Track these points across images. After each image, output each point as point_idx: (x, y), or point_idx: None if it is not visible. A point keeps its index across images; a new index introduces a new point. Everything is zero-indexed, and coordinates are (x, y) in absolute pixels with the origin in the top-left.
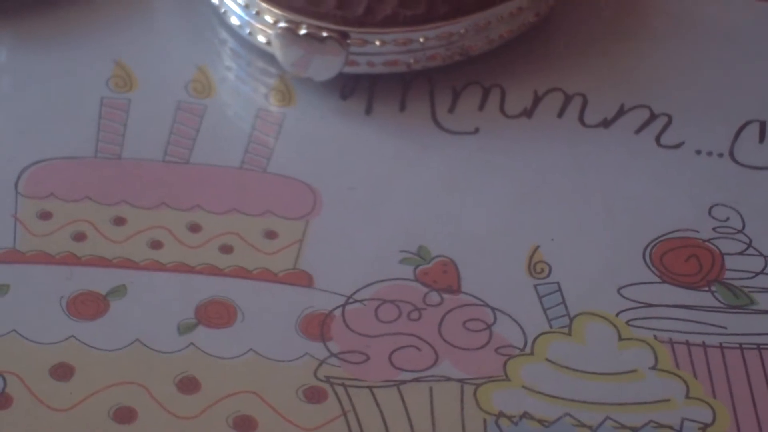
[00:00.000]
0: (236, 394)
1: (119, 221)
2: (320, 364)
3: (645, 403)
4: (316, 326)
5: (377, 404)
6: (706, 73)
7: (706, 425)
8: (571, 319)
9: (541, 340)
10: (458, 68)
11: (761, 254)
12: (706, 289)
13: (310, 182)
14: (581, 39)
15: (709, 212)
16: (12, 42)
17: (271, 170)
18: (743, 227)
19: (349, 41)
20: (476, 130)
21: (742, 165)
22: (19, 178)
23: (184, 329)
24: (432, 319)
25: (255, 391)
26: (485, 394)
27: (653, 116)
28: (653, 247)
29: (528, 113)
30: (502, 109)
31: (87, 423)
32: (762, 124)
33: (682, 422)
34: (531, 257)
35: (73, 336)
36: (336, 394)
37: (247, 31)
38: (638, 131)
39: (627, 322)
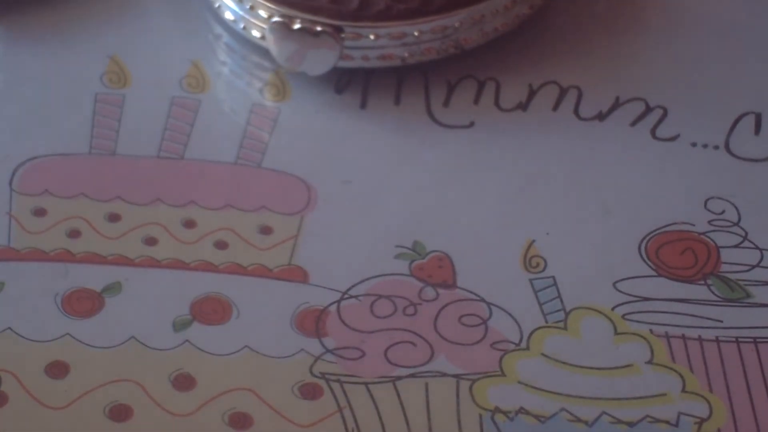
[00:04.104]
0: (232, 390)
1: (114, 218)
2: (315, 361)
3: (641, 397)
4: (312, 322)
5: (373, 400)
6: (701, 65)
7: (703, 419)
8: (567, 314)
9: (536, 335)
10: (453, 62)
11: (757, 247)
12: (702, 282)
13: (304, 177)
14: (576, 32)
15: (705, 205)
16: (5, 38)
17: (266, 165)
18: (739, 220)
19: (343, 35)
20: (471, 124)
21: (738, 157)
22: (13, 175)
23: (179, 326)
24: (427, 314)
25: (250, 387)
26: (481, 390)
27: (648, 109)
28: (649, 241)
29: (523, 106)
30: (497, 103)
31: (82, 421)
32: (758, 116)
33: (678, 416)
34: (526, 251)
35: (68, 333)
36: (331, 390)
37: (242, 25)
38: (633, 124)
39: (623, 316)
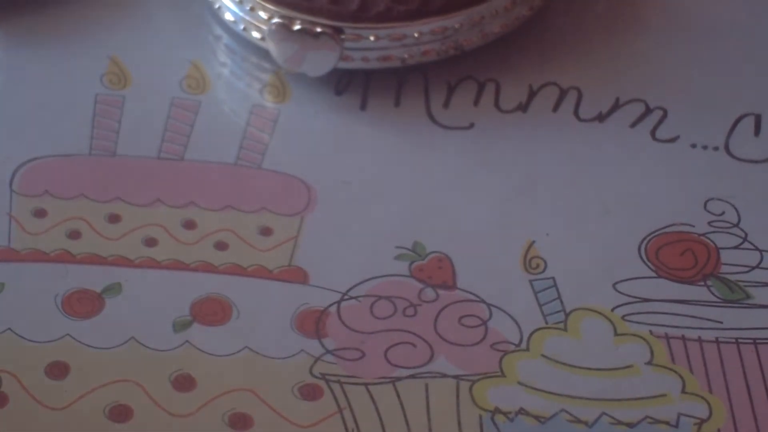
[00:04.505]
0: (232, 391)
1: (114, 218)
2: (316, 361)
3: (641, 398)
4: (312, 323)
5: (373, 401)
6: (701, 66)
7: (702, 420)
8: (567, 315)
9: (536, 336)
10: (453, 63)
11: (757, 248)
12: (702, 283)
13: (304, 178)
14: (576, 33)
15: (705, 206)
16: (5, 39)
17: (266, 166)
18: (738, 221)
19: (343, 36)
20: (471, 125)
21: (738, 159)
22: (13, 176)
23: (179, 327)
24: (427, 315)
25: (250, 388)
26: (481, 391)
27: (648, 110)
28: (649, 242)
29: (523, 108)
30: (496, 104)
31: (82, 421)
32: (757, 118)
33: (678, 417)
34: (526, 252)
35: (68, 334)
36: (332, 391)
37: (242, 26)
38: (633, 125)
39: (623, 317)
